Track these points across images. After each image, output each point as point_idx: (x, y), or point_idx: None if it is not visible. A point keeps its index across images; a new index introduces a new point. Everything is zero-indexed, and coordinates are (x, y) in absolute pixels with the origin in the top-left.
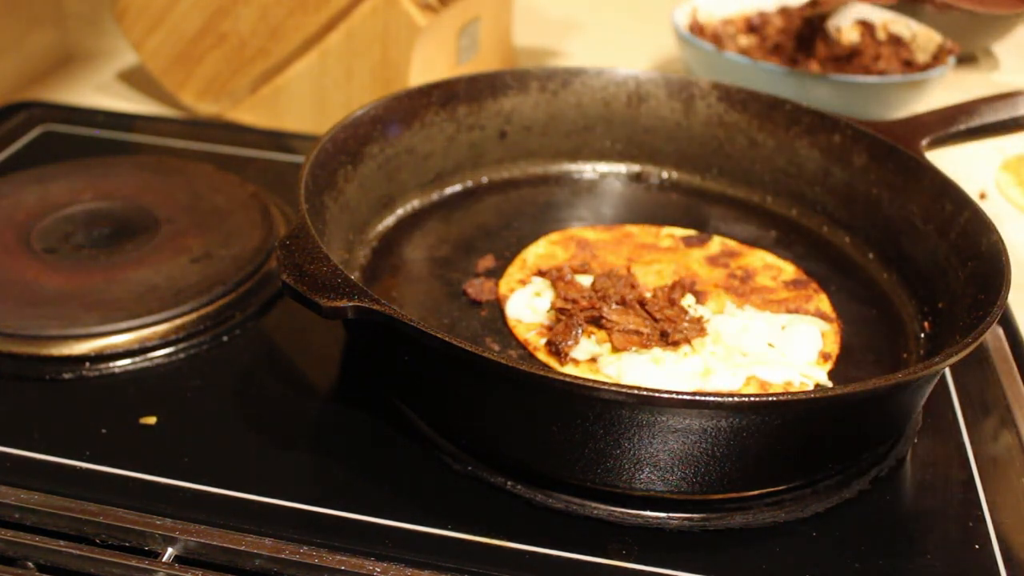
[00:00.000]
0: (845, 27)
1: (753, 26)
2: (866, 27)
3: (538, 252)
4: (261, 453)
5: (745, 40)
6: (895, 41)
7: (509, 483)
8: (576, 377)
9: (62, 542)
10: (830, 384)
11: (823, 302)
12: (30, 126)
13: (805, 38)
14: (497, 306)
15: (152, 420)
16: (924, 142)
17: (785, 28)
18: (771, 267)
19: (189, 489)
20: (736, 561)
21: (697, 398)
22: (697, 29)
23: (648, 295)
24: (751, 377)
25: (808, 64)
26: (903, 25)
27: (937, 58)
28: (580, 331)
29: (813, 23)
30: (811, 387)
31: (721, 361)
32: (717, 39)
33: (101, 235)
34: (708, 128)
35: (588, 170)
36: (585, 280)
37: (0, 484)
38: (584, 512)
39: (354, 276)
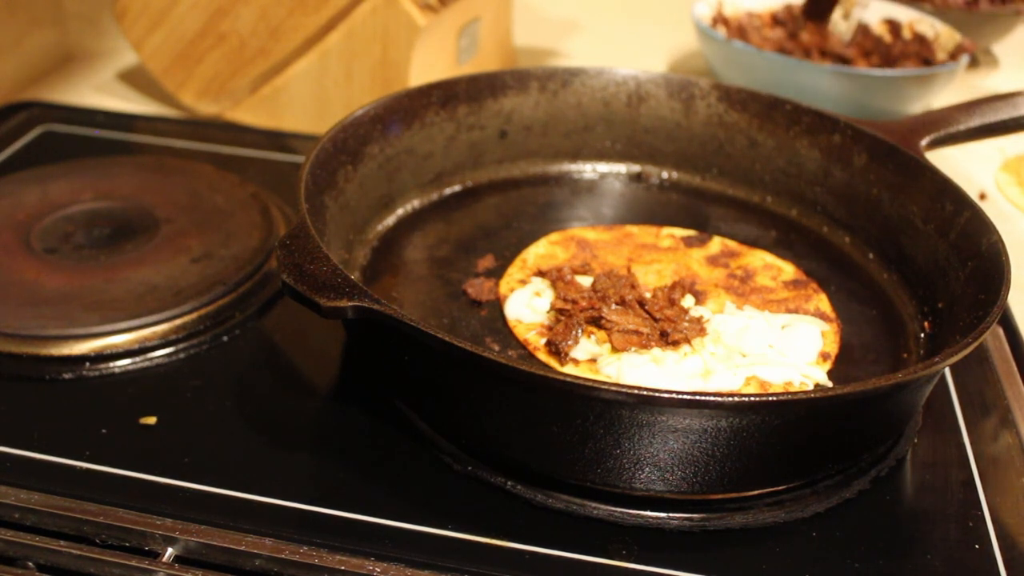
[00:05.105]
0: (872, 24)
1: (779, 20)
2: (892, 25)
3: (538, 252)
4: (261, 453)
5: (771, 33)
6: (919, 40)
7: (509, 483)
8: (576, 377)
9: (62, 542)
10: (830, 384)
11: (823, 302)
12: (30, 126)
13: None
14: (497, 306)
15: (152, 420)
16: (924, 142)
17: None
18: (771, 267)
19: (189, 489)
20: (736, 561)
21: (697, 398)
22: (721, 22)
23: (648, 295)
24: (751, 377)
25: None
26: (928, 25)
27: (953, 56)
28: (580, 331)
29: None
30: (811, 387)
31: (721, 361)
32: (742, 32)
33: (101, 235)
34: (708, 128)
35: (588, 170)
36: (585, 280)
37: (0, 484)
38: (584, 512)
39: (354, 276)
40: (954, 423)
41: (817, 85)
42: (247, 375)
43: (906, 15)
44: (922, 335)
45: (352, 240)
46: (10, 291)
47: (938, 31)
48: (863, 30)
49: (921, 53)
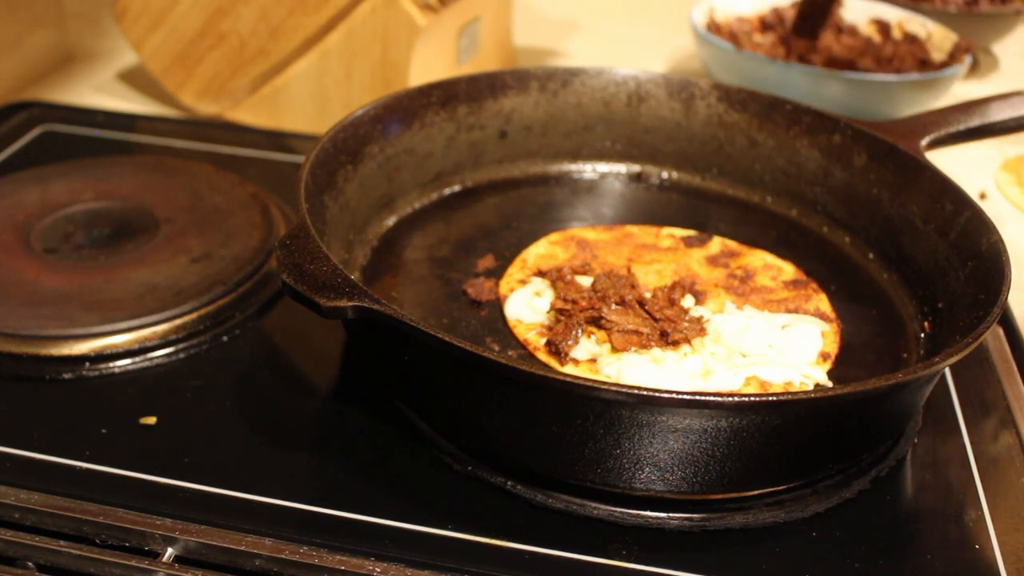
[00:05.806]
0: (860, 25)
1: (768, 24)
2: (881, 25)
3: (538, 252)
4: (261, 453)
5: (760, 37)
6: (910, 40)
7: (509, 483)
8: (576, 377)
9: (62, 542)
10: (830, 384)
11: (823, 302)
12: (30, 126)
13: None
14: (497, 306)
15: (152, 420)
16: (924, 142)
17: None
18: (771, 267)
19: (189, 489)
20: (736, 561)
21: (697, 398)
22: (714, 28)
23: (648, 295)
24: (751, 377)
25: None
26: (918, 24)
27: (953, 57)
28: (580, 331)
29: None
30: (811, 387)
31: (721, 361)
32: (733, 37)
33: (101, 235)
34: (708, 128)
35: (588, 170)
36: (585, 280)
37: (0, 484)
38: (584, 512)
39: (354, 276)
40: (954, 423)
41: (820, 91)
42: (247, 375)
43: (894, 14)
44: (922, 335)
45: (352, 240)
46: (10, 291)
47: (930, 30)
48: (851, 31)
49: (915, 53)
